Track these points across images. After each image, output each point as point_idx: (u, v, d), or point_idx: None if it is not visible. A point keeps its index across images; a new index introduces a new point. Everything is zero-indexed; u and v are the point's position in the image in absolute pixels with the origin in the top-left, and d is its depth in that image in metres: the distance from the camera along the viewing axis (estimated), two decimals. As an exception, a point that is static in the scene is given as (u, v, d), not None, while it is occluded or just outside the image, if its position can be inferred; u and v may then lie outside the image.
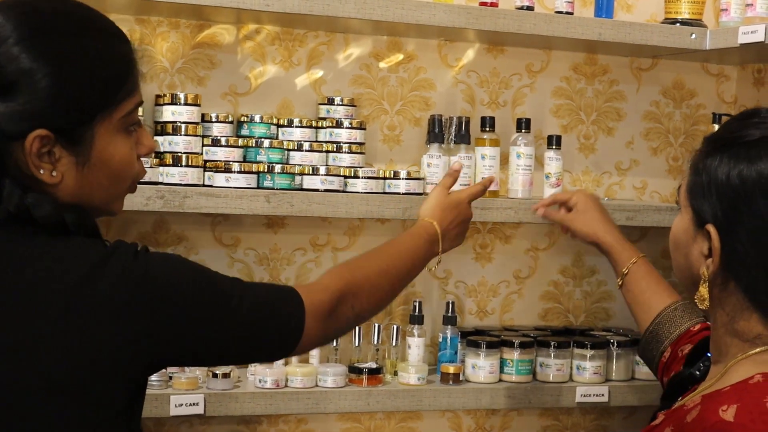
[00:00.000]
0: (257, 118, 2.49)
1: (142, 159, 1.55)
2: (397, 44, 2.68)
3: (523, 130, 2.56)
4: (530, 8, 2.53)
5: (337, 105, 2.55)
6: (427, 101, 2.71)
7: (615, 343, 2.61)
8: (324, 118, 2.55)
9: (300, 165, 2.44)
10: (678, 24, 2.67)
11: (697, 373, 1.58)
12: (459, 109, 2.72)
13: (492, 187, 2.53)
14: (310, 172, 2.41)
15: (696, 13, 2.69)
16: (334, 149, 2.49)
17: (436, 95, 2.71)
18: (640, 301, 2.16)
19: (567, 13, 2.54)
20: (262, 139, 2.45)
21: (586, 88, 2.84)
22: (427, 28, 2.50)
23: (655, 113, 2.90)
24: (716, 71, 2.94)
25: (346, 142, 2.50)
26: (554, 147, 2.57)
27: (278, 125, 2.52)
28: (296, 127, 2.51)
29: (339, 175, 2.42)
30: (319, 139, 2.52)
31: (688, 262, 1.51)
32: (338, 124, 2.51)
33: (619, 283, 2.19)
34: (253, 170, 2.37)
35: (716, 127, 2.68)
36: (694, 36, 2.62)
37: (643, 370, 2.61)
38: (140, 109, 1.59)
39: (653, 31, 2.60)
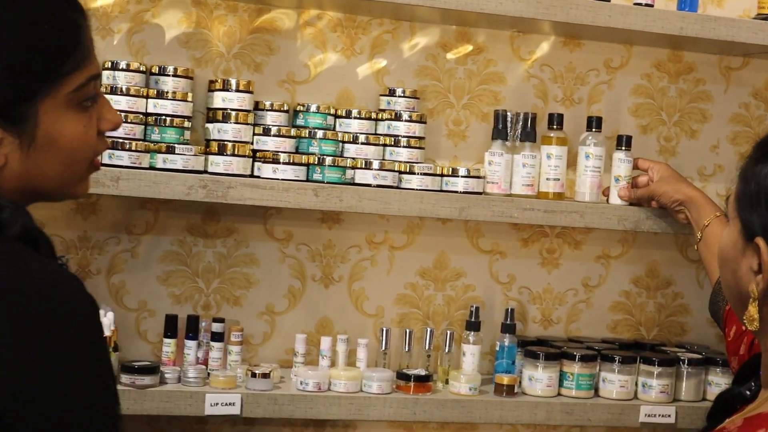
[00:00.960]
0: (313, 108, 2.38)
1: (106, 133, 1.41)
2: (467, 35, 2.54)
3: (594, 129, 2.40)
4: (606, -1, 2.37)
5: (399, 97, 2.43)
6: (497, 96, 2.56)
7: (686, 361, 2.43)
8: (384, 110, 2.43)
9: (353, 158, 2.32)
10: (770, 20, 2.48)
11: (748, 393, 1.43)
12: (530, 105, 2.57)
13: (557, 189, 2.38)
14: (363, 166, 2.29)
15: (791, 9, 2.49)
16: (392, 143, 2.37)
17: (506, 90, 2.56)
18: (715, 252, 2.10)
19: (647, 5, 2.37)
20: (316, 130, 2.34)
21: (669, 86, 2.66)
22: (499, 18, 2.36)
23: (744, 116, 2.71)
24: (814, 73, 2.74)
25: (404, 136, 2.37)
26: (624, 148, 2.40)
27: (336, 116, 2.40)
28: (354, 118, 2.39)
29: (393, 170, 2.30)
30: (378, 132, 2.40)
31: (736, 279, 1.36)
32: (397, 117, 2.39)
33: (699, 236, 2.24)
34: (303, 162, 2.26)
35: (807, 132, 2.48)
36: (786, 33, 2.42)
37: (715, 391, 2.43)
38: (104, 80, 1.42)
39: (741, 27, 2.41)
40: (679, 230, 2.39)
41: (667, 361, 2.41)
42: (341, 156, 2.33)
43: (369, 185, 2.28)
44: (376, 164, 2.29)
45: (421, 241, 2.54)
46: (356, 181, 2.29)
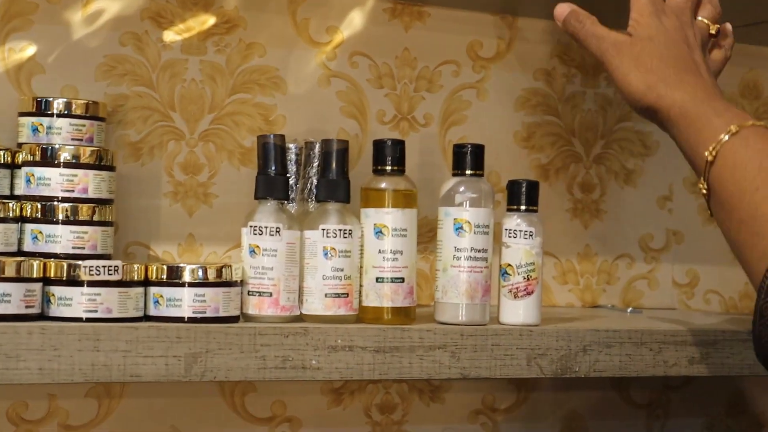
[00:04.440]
0: None
1: None
2: (204, -6, 1.29)
3: (469, 172, 1.16)
4: None
5: (60, 116, 1.14)
6: (268, 114, 1.31)
7: None
8: (26, 146, 1.13)
9: (-64, 254, 1.02)
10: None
11: None
12: (335, 130, 1.34)
13: (401, 299, 1.13)
14: (-44, 273, 0.99)
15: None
16: (38, 215, 1.08)
17: (285, 103, 1.32)
18: (756, 215, 0.96)
19: None
20: None
21: (584, 92, 1.47)
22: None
23: (711, 142, 1.54)
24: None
25: (67, 199, 1.09)
26: (522, 207, 1.17)
27: None
28: (-41, 164, 1.09)
29: (30, 280, 1.00)
30: (13, 193, 1.11)
31: None
32: (47, 159, 1.10)
33: (704, 187, 1.01)
34: None
35: None
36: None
37: None
38: None
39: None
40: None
41: None
42: None
43: (-31, 317, 0.98)
44: (-15, 267, 0.99)
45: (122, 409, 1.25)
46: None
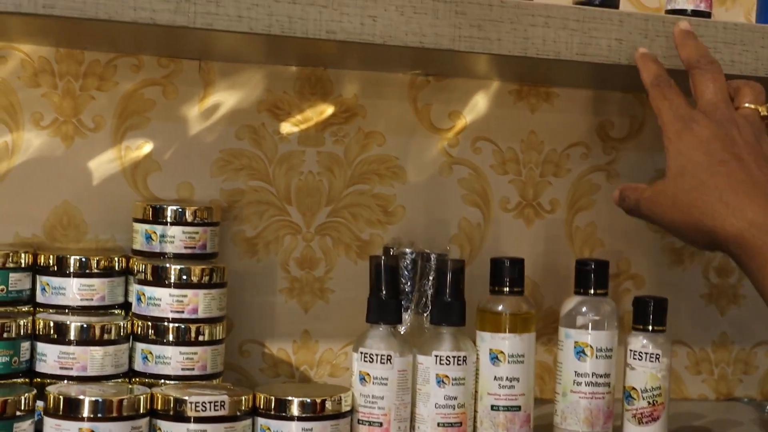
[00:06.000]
0: (-22, 258, 1.07)
1: None
2: (322, 82, 1.25)
3: (594, 291, 1.10)
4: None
5: (173, 224, 1.12)
6: (387, 205, 1.27)
7: None
8: (141, 254, 1.12)
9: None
10: None
11: None
12: (457, 219, 1.29)
13: (516, 429, 1.09)
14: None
15: None
16: (149, 334, 1.07)
17: (405, 192, 1.28)
18: None
19: (699, 12, 1.08)
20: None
21: (724, 171, 1.38)
22: (384, 51, 1.07)
23: None
24: None
25: (177, 320, 1.07)
26: (649, 327, 1.10)
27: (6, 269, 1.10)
28: (75, 275, 1.09)
29: (137, 417, 0.99)
30: (128, 299, 1.10)
31: None
32: (157, 278, 1.08)
33: None
34: None
35: None
36: None
37: None
38: None
39: None
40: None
41: None
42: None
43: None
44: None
45: None
46: None
